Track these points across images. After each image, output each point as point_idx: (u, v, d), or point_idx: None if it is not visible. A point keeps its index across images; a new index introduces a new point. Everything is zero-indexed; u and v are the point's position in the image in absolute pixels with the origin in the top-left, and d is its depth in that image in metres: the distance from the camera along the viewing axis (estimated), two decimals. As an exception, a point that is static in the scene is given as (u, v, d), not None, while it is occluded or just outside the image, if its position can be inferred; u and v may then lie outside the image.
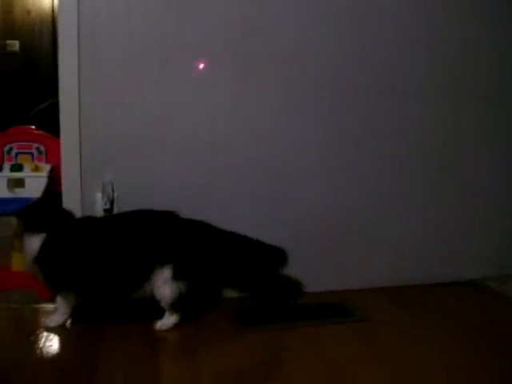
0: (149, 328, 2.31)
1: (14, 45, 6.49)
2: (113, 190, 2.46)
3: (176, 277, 2.27)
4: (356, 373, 2.00)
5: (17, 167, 2.66)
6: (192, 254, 2.32)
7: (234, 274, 2.52)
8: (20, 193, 2.64)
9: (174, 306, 2.30)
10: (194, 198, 2.53)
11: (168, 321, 2.32)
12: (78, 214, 2.42)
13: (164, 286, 2.27)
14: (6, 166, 2.68)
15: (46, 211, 2.32)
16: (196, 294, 2.38)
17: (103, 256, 2.25)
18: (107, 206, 2.45)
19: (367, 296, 2.70)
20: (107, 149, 2.50)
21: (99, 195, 2.47)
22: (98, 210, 2.47)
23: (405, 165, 2.79)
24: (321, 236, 2.74)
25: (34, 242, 2.24)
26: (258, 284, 2.61)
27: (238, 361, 2.08)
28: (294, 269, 2.64)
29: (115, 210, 2.46)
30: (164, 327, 2.31)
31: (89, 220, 2.37)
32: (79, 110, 2.45)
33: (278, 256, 2.45)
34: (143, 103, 2.50)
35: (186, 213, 2.37)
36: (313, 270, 2.72)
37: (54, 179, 2.66)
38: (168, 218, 2.34)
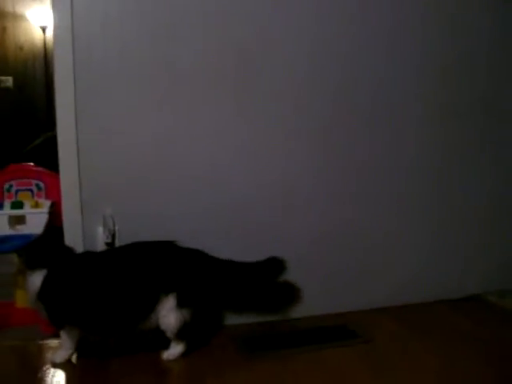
0: (156, 359, 2.32)
1: (8, 80, 6.55)
2: (114, 224, 2.48)
3: (180, 305, 2.28)
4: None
5: (17, 204, 2.67)
6: (195, 281, 2.34)
7: (239, 292, 2.53)
8: (21, 229, 2.66)
9: (180, 335, 2.31)
10: (193, 229, 2.54)
11: (175, 350, 2.33)
12: (80, 248, 2.44)
13: (168, 314, 2.28)
14: (7, 203, 2.69)
15: (46, 247, 2.33)
16: (200, 321, 2.39)
17: (106, 290, 2.27)
18: (109, 240, 2.46)
19: (370, 317, 2.72)
20: (107, 183, 2.52)
21: (100, 229, 2.49)
22: (100, 244, 2.48)
23: (403, 182, 2.82)
24: (320, 258, 2.75)
25: (35, 279, 2.25)
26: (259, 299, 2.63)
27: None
28: (296, 292, 2.68)
29: (117, 243, 2.47)
30: (171, 357, 2.32)
31: (89, 255, 2.39)
32: (77, 146, 2.47)
33: (275, 264, 2.46)
34: (141, 137, 2.53)
35: (186, 244, 2.39)
36: (314, 293, 2.73)
37: (55, 215, 2.68)
38: (168, 248, 2.36)
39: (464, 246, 2.94)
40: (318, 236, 2.74)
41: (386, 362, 2.28)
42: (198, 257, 2.39)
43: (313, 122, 2.69)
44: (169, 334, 2.31)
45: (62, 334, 2.32)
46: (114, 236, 2.47)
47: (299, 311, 2.71)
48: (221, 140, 2.61)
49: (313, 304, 2.73)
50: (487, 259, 2.98)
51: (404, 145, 2.80)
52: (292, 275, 2.65)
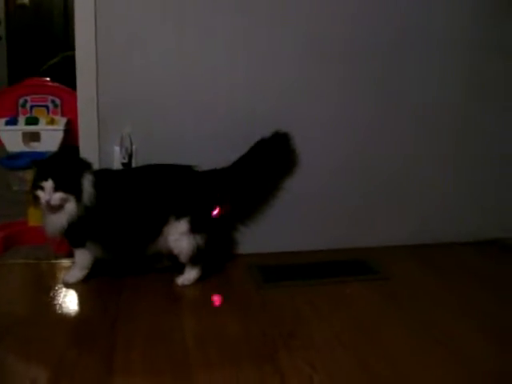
0: (169, 284, 2.29)
1: (24, -3, 6.39)
2: (131, 143, 2.41)
3: (193, 230, 2.24)
4: (380, 330, 1.98)
5: (32, 120, 2.59)
6: (208, 207, 2.29)
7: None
8: (36, 147, 2.58)
9: (194, 260, 2.27)
10: (213, 152, 2.47)
11: (189, 275, 2.29)
12: (97, 167, 2.37)
13: (181, 239, 2.24)
14: (21, 119, 2.61)
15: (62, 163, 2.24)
16: (214, 247, 2.35)
17: (120, 206, 2.22)
18: (125, 160, 2.40)
19: (390, 254, 2.67)
20: (125, 101, 2.45)
21: (117, 149, 2.43)
22: (117, 164, 2.42)
23: (427, 114, 2.71)
24: (340, 190, 2.68)
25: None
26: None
27: (262, 317, 2.05)
28: (316, 225, 2.63)
29: (133, 164, 2.41)
30: (186, 282, 2.28)
31: (106, 172, 2.32)
32: (96, 61, 2.40)
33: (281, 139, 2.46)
34: (162, 53, 2.45)
35: (205, 167, 2.35)
36: (335, 227, 2.69)
37: (71, 133, 2.61)
38: (184, 172, 2.31)
39: (486, 189, 2.85)
40: (338, 167, 2.66)
41: (404, 299, 2.24)
42: (213, 181, 2.34)
43: (337, 47, 2.57)
44: (182, 259, 2.27)
45: (77, 253, 2.28)
46: (130, 156, 2.41)
47: (318, 244, 2.66)
48: (246, 58, 2.51)
49: (332, 237, 2.68)
50: (510, 204, 2.89)
51: (433, 76, 2.68)
52: (314, 205, 2.63)
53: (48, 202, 2.09)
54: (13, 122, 2.60)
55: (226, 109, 2.52)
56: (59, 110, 2.69)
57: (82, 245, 2.25)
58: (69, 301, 2.16)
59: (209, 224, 2.30)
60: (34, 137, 2.59)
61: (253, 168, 2.43)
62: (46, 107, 2.69)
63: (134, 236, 2.25)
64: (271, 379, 1.65)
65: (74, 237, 2.24)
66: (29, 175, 2.61)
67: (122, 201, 2.23)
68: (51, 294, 2.20)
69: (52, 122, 2.60)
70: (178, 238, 2.24)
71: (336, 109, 2.62)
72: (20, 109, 2.68)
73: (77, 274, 2.29)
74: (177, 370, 1.69)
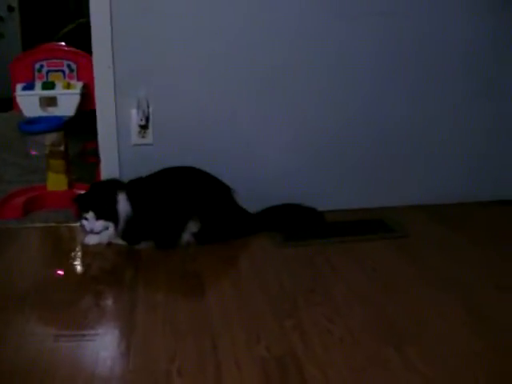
0: (189, 247, 2.31)
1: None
2: (148, 106, 2.42)
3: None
4: (398, 285, 1.99)
5: (49, 85, 2.59)
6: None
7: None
8: (53, 111, 2.59)
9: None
10: (230, 112, 2.51)
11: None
12: (114, 130, 2.42)
13: None
14: (38, 83, 2.61)
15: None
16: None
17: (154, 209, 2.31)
18: (143, 122, 2.41)
19: (407, 213, 2.66)
20: (141, 64, 2.46)
21: (134, 111, 2.43)
22: (134, 126, 2.45)
23: (450, 76, 2.68)
24: (358, 151, 2.67)
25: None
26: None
27: (282, 275, 2.06)
28: (333, 185, 2.64)
29: (150, 126, 2.44)
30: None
31: (142, 181, 2.36)
32: (111, 25, 2.40)
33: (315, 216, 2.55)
34: (178, 16, 2.44)
35: (224, 128, 2.45)
36: (351, 187, 2.69)
37: (87, 97, 2.61)
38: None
39: (500, 151, 2.81)
40: (355, 126, 2.65)
41: (420, 254, 2.25)
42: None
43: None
44: None
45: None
46: (147, 118, 2.42)
47: (335, 204, 2.65)
48: (254, 22, 2.51)
49: (349, 197, 2.69)
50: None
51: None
52: (330, 166, 2.64)
53: (92, 230, 2.28)
54: (30, 87, 2.61)
55: (244, 68, 2.52)
56: (75, 74, 2.69)
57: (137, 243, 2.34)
58: (89, 263, 2.19)
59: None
60: (51, 101, 2.60)
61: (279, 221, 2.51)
62: (62, 72, 2.68)
63: (168, 229, 2.32)
64: (292, 334, 1.66)
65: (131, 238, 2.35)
66: (46, 140, 2.64)
67: (155, 205, 2.31)
68: (71, 257, 2.23)
69: (68, 86, 2.60)
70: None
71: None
72: (36, 74, 2.68)
73: (96, 236, 2.31)
74: (198, 329, 1.70)
